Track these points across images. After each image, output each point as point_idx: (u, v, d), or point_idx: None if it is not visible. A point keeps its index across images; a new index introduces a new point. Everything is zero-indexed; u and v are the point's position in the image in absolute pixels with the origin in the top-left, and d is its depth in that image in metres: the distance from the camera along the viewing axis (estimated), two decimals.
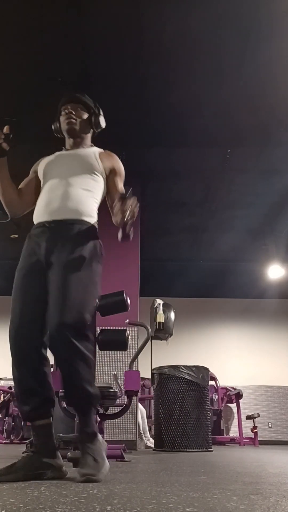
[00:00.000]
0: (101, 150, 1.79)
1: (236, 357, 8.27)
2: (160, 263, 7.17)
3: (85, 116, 1.77)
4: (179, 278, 7.58)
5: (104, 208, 1.76)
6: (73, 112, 1.74)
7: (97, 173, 1.69)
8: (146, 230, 5.39)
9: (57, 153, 1.79)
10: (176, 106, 4.05)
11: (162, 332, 4.46)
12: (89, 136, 1.83)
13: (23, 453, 1.48)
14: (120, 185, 1.70)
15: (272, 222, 6.06)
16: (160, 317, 4.47)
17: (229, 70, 3.66)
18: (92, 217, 1.63)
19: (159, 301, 4.60)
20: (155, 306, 4.58)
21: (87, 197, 1.63)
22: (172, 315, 4.60)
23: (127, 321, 3.13)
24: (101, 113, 1.83)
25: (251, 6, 3.10)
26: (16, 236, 6.14)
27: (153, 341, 4.43)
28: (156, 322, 4.45)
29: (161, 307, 4.54)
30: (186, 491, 1.09)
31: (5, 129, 1.56)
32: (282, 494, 1.09)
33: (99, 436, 1.45)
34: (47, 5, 3.11)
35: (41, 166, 1.75)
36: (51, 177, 1.67)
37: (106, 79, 3.77)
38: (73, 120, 1.73)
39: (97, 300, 1.56)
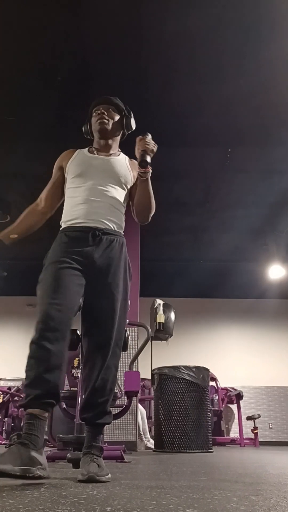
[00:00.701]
0: (127, 158, 1.85)
1: (237, 357, 8.26)
2: (160, 263, 7.17)
3: (117, 117, 1.81)
4: (179, 278, 7.58)
5: None
6: (105, 113, 1.78)
7: (128, 185, 1.77)
8: (146, 230, 5.38)
9: (88, 153, 1.77)
10: (176, 106, 4.05)
11: (162, 332, 4.46)
12: (118, 139, 1.86)
13: (6, 447, 1.40)
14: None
15: (273, 222, 6.06)
16: (160, 318, 4.46)
17: (230, 69, 3.65)
18: (122, 232, 1.75)
19: (159, 301, 4.60)
20: (155, 306, 4.58)
21: (122, 212, 1.73)
22: (172, 315, 4.59)
23: (127, 321, 3.12)
24: (132, 115, 1.86)
25: (252, 6, 3.10)
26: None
27: (153, 341, 4.42)
28: (156, 323, 4.45)
29: (161, 307, 4.53)
30: (186, 492, 1.09)
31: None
32: (282, 495, 1.09)
33: None
34: (47, 5, 3.11)
35: (76, 163, 1.73)
36: (90, 181, 1.67)
37: (106, 79, 3.76)
38: (105, 120, 1.77)
39: None
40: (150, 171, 1.64)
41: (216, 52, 3.48)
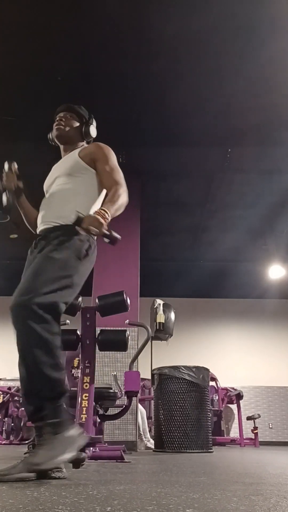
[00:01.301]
0: (84, 146, 1.81)
1: (237, 357, 8.26)
2: (160, 263, 7.17)
3: (76, 124, 1.82)
4: (179, 278, 7.58)
5: None
6: (63, 120, 1.80)
7: (83, 172, 1.69)
8: (146, 230, 5.38)
9: (54, 165, 1.84)
10: (176, 106, 4.05)
11: (162, 332, 4.46)
12: (79, 144, 1.85)
13: (24, 453, 1.45)
14: (104, 167, 1.65)
15: (273, 222, 6.06)
16: (160, 318, 4.46)
17: (230, 69, 3.65)
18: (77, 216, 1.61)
19: (159, 301, 4.60)
20: (155, 307, 4.58)
21: (78, 201, 1.63)
22: (172, 315, 4.59)
23: (127, 321, 3.12)
24: (94, 124, 1.86)
25: (252, 6, 3.10)
26: (16, 236, 6.14)
27: (153, 341, 4.42)
28: (156, 323, 4.45)
29: (161, 308, 4.53)
30: (186, 492, 1.09)
31: (15, 169, 1.77)
32: (282, 495, 1.09)
33: (70, 425, 1.38)
34: (47, 5, 3.11)
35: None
36: (47, 190, 1.75)
37: (106, 79, 3.77)
38: (61, 126, 1.79)
39: (68, 284, 1.49)
40: (111, 234, 1.43)
41: (216, 52, 3.48)
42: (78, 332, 2.37)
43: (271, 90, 3.83)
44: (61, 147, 1.85)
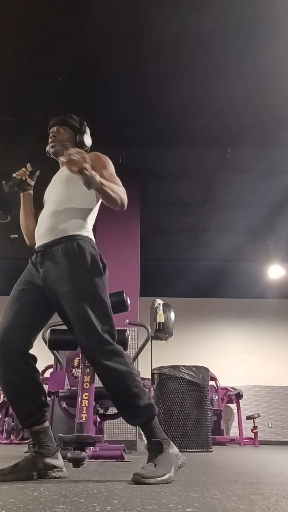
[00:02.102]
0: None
1: (236, 357, 8.27)
2: (160, 263, 7.17)
3: (68, 136, 1.79)
4: (179, 278, 7.58)
5: (103, 210, 1.76)
6: (55, 135, 1.78)
7: (79, 181, 1.62)
8: (146, 230, 5.39)
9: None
10: (176, 106, 4.05)
11: (162, 332, 4.46)
12: None
13: (25, 453, 1.46)
14: (105, 173, 1.61)
15: (272, 222, 6.06)
16: (160, 317, 4.47)
17: (229, 70, 3.65)
18: (80, 229, 1.58)
19: (159, 301, 4.60)
20: (155, 306, 4.58)
21: (72, 210, 1.60)
22: (172, 315, 4.59)
23: (127, 321, 3.12)
24: (87, 131, 1.83)
25: (251, 7, 3.10)
26: (16, 236, 6.14)
27: (153, 341, 4.42)
28: (156, 322, 4.45)
29: (161, 307, 4.54)
30: (186, 491, 1.09)
31: (29, 166, 1.74)
32: (282, 494, 1.09)
33: (171, 445, 1.48)
34: (47, 5, 3.11)
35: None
36: (45, 203, 1.72)
37: (106, 79, 3.77)
38: (55, 143, 1.77)
39: (108, 307, 1.54)
40: (94, 180, 1.43)
41: (216, 53, 3.48)
42: None
43: (271, 90, 3.83)
44: (60, 160, 1.83)
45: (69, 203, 1.62)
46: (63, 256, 1.50)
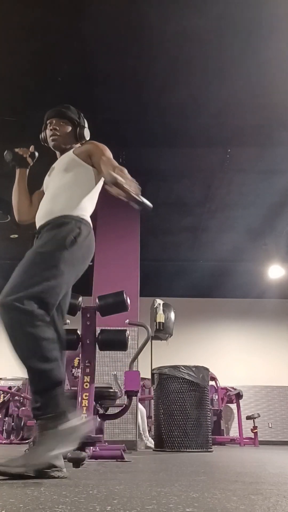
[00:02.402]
0: (77, 145, 1.85)
1: (236, 357, 8.27)
2: (160, 263, 7.17)
3: (69, 129, 1.85)
4: (179, 278, 7.58)
5: (102, 210, 1.76)
6: (57, 128, 1.83)
7: (76, 167, 1.72)
8: (146, 230, 5.38)
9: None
10: (176, 106, 4.05)
11: (162, 332, 4.46)
12: (74, 146, 1.87)
13: (25, 450, 1.45)
14: (100, 160, 1.60)
15: (272, 222, 6.06)
16: (160, 317, 4.46)
17: (229, 70, 3.65)
18: (72, 210, 1.64)
19: (159, 301, 4.60)
20: (155, 306, 4.58)
21: (70, 194, 1.67)
22: (172, 315, 4.59)
23: (127, 321, 3.12)
24: (86, 125, 1.88)
25: (252, 6, 3.10)
26: (16, 236, 6.14)
27: (153, 341, 4.42)
28: (156, 322, 4.45)
29: (161, 307, 4.53)
30: (186, 492, 1.09)
31: (31, 148, 1.85)
32: (282, 494, 1.09)
33: (67, 417, 1.35)
34: (47, 5, 3.11)
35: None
36: (45, 190, 1.80)
37: (106, 79, 3.77)
38: (56, 137, 1.82)
39: (54, 274, 1.48)
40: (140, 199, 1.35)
41: (216, 52, 3.48)
42: (78, 332, 2.37)
43: (271, 90, 3.83)
44: (57, 153, 1.89)
45: (66, 188, 1.69)
46: (45, 232, 1.59)
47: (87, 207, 1.70)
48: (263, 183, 5.17)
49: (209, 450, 3.84)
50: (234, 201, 5.61)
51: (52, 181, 1.76)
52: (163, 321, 4.46)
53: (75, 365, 4.05)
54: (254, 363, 8.26)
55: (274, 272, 6.87)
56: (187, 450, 3.67)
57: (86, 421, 1.44)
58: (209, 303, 8.64)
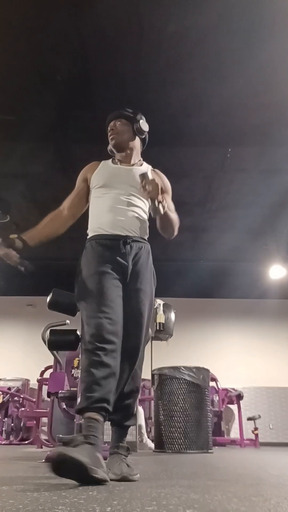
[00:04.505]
0: (150, 168, 1.89)
1: (237, 358, 8.25)
2: (160, 263, 7.13)
3: (127, 127, 1.88)
4: (179, 278, 7.57)
5: None
6: (114, 128, 1.87)
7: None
8: None
9: (111, 164, 1.86)
10: (176, 106, 4.04)
11: (162, 332, 4.45)
12: (137, 147, 1.90)
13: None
14: (169, 201, 1.85)
15: (273, 222, 6.05)
16: (160, 318, 4.46)
17: (229, 69, 3.65)
18: (146, 234, 1.83)
19: (159, 302, 4.59)
20: (155, 307, 4.57)
21: (145, 220, 1.81)
22: (172, 315, 4.58)
23: None
24: (142, 118, 1.92)
25: (252, 6, 3.09)
26: (16, 236, 6.13)
27: (153, 341, 4.42)
28: (156, 323, 4.44)
29: (161, 308, 4.53)
30: (187, 493, 1.08)
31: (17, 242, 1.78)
32: (283, 496, 1.08)
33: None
34: (47, 5, 3.11)
35: (99, 173, 1.82)
36: (114, 189, 1.75)
37: (106, 79, 3.76)
38: (114, 135, 1.86)
39: None
40: (164, 208, 1.67)
41: (216, 52, 3.48)
42: (78, 332, 2.36)
43: (271, 90, 3.83)
44: (119, 154, 1.89)
45: (144, 211, 1.85)
46: (145, 257, 1.87)
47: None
48: (263, 183, 5.17)
49: (209, 451, 3.83)
50: (234, 201, 5.60)
51: (134, 195, 1.76)
52: (163, 322, 4.45)
53: (75, 365, 4.04)
54: (255, 364, 8.24)
55: (275, 272, 6.86)
56: (188, 451, 3.66)
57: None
58: (209, 304, 8.63)
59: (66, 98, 3.93)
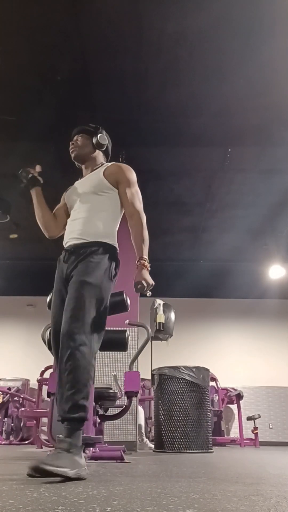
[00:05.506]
0: (107, 165, 1.91)
1: (237, 357, 8.26)
2: (160, 263, 7.16)
3: (87, 141, 1.93)
4: (179, 278, 7.57)
5: None
6: (73, 142, 1.93)
7: (106, 191, 1.81)
8: None
9: (76, 181, 1.96)
10: (176, 106, 4.04)
11: (162, 332, 4.46)
12: (98, 158, 1.96)
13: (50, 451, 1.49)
14: (128, 192, 1.79)
15: (273, 222, 6.05)
16: (160, 318, 4.46)
17: (229, 69, 3.65)
18: (109, 237, 1.76)
19: (159, 302, 4.59)
20: (155, 307, 4.57)
21: (104, 218, 1.77)
22: (172, 315, 4.59)
23: (127, 321, 3.12)
24: (102, 132, 1.95)
25: (252, 6, 3.09)
26: (16, 236, 6.14)
27: (153, 341, 4.42)
28: (156, 323, 4.44)
29: (161, 308, 4.53)
30: (187, 493, 1.09)
31: (38, 167, 1.91)
32: (282, 495, 1.09)
33: (81, 455, 1.45)
34: (47, 5, 3.11)
35: (66, 195, 1.93)
36: (72, 205, 1.85)
37: (106, 79, 3.76)
38: (74, 148, 1.93)
39: (104, 307, 1.68)
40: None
41: (216, 52, 3.48)
42: None
43: (271, 90, 3.83)
44: (82, 166, 1.97)
45: (97, 211, 1.79)
46: (88, 255, 1.73)
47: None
48: (263, 183, 5.17)
49: (209, 451, 3.83)
50: (234, 201, 5.60)
51: (81, 201, 1.81)
52: (163, 322, 4.45)
53: None
54: (254, 363, 8.25)
55: (275, 272, 6.86)
56: (188, 451, 3.67)
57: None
58: (209, 303, 8.64)
59: (66, 98, 3.93)
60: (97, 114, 4.01)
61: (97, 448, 2.41)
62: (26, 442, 5.89)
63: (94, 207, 1.77)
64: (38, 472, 1.26)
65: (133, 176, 1.84)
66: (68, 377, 1.45)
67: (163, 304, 4.59)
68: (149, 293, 1.69)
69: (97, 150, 1.94)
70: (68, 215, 1.90)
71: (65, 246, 1.79)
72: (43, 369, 5.06)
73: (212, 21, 3.21)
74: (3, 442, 5.76)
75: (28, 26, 3.26)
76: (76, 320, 1.51)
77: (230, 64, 3.59)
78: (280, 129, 4.29)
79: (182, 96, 3.93)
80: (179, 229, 6.32)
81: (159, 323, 4.44)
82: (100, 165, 1.93)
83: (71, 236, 1.76)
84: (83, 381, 1.46)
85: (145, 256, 1.72)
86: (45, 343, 2.68)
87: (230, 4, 3.08)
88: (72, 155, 1.93)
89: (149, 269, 1.71)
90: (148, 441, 4.76)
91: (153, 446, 4.42)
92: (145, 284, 1.67)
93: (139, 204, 1.79)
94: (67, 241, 1.78)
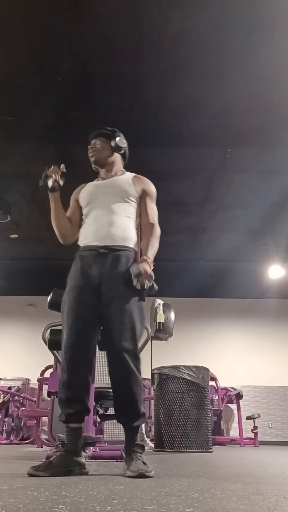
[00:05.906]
0: (133, 175, 1.97)
1: (236, 357, 8.26)
2: (160, 263, 7.14)
3: (106, 145, 1.97)
4: (179, 278, 7.57)
5: None
6: (93, 146, 1.96)
7: (133, 199, 1.87)
8: None
9: (95, 182, 1.97)
10: (176, 106, 4.05)
11: (162, 332, 4.46)
12: (117, 161, 2.00)
13: (54, 452, 1.66)
14: (150, 205, 1.88)
15: (272, 222, 6.06)
16: (160, 317, 4.46)
17: (229, 69, 3.65)
18: (134, 243, 1.82)
19: (159, 301, 4.60)
20: (155, 306, 4.57)
21: (129, 224, 1.83)
22: (172, 315, 4.59)
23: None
24: (120, 136, 2.00)
25: (252, 6, 3.10)
26: (16, 236, 6.14)
27: (153, 341, 4.42)
28: (156, 322, 4.45)
29: (161, 307, 4.53)
30: (186, 492, 1.09)
31: (62, 167, 1.85)
32: (282, 494, 1.09)
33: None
34: (47, 5, 3.11)
35: (83, 195, 1.92)
36: (96, 206, 1.85)
37: (106, 79, 3.76)
38: (93, 153, 1.96)
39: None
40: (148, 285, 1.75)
41: (216, 53, 3.48)
42: None
43: (271, 90, 3.83)
44: (102, 170, 1.99)
45: (125, 216, 1.84)
46: (124, 265, 1.79)
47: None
48: (263, 183, 5.17)
49: (209, 450, 3.84)
50: (234, 201, 5.60)
51: (108, 202, 1.82)
52: (163, 321, 4.45)
53: None
54: (254, 363, 8.25)
55: (274, 272, 6.86)
56: (187, 450, 3.67)
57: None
58: (209, 303, 8.64)
59: (66, 98, 3.93)
60: (97, 114, 4.01)
61: (97, 448, 2.41)
62: (27, 441, 5.90)
63: (121, 212, 1.81)
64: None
65: (155, 192, 1.94)
66: (136, 389, 1.66)
67: (163, 303, 4.59)
68: (148, 284, 1.70)
69: (115, 153, 1.97)
70: (80, 213, 1.91)
71: (87, 244, 1.78)
72: (43, 368, 5.06)
73: (212, 22, 3.21)
74: (4, 442, 5.76)
75: (28, 26, 3.26)
76: (134, 340, 1.66)
77: (230, 64, 3.59)
78: (280, 130, 4.29)
79: (182, 97, 3.93)
80: (179, 229, 6.32)
81: (159, 322, 4.44)
82: (123, 171, 1.98)
83: (99, 235, 1.76)
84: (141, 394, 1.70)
85: (150, 256, 1.77)
86: (45, 342, 2.69)
87: (230, 5, 3.08)
88: (92, 160, 1.95)
89: (151, 267, 1.74)
90: (148, 440, 4.77)
91: (153, 445, 4.43)
92: (143, 271, 1.67)
93: (157, 219, 1.87)
94: (91, 240, 1.77)
